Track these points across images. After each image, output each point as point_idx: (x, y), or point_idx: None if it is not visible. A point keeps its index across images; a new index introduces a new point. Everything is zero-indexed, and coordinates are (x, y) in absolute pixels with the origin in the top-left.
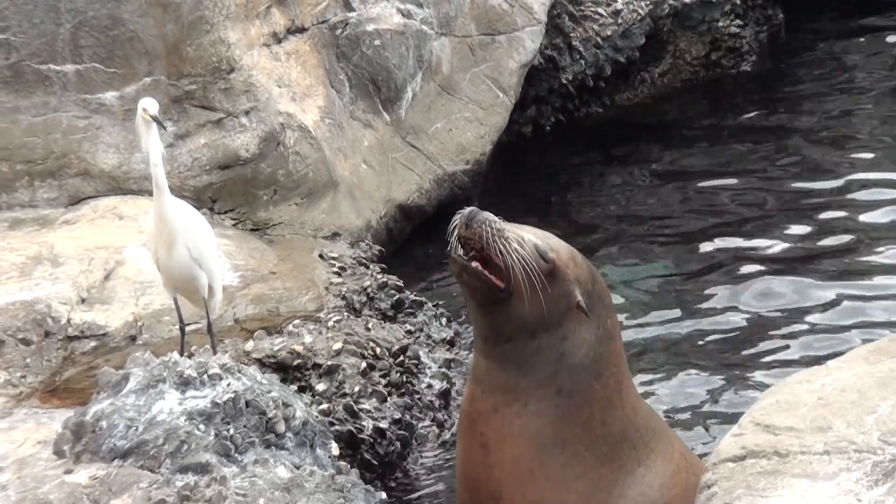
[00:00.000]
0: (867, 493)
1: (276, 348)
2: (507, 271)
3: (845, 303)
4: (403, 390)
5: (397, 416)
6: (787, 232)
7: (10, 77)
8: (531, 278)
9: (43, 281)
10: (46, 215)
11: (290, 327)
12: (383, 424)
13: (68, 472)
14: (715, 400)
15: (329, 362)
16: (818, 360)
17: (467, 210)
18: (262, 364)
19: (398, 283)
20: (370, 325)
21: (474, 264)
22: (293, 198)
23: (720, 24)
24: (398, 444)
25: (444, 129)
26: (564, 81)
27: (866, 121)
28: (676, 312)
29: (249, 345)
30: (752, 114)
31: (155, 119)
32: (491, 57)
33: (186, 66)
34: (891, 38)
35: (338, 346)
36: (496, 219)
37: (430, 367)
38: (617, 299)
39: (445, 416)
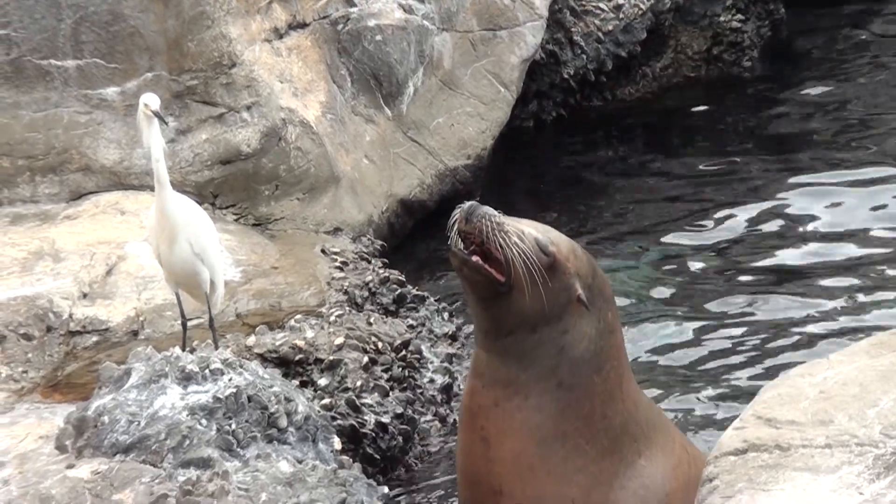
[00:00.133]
0: (869, 487)
1: (277, 343)
2: (507, 265)
3: (847, 296)
4: (405, 385)
5: (399, 410)
6: (788, 224)
7: (10, 72)
8: (531, 272)
9: (44, 276)
10: (48, 210)
11: (292, 322)
12: (385, 419)
13: (70, 466)
14: (716, 393)
15: (331, 357)
16: (819, 354)
17: (467, 204)
18: (263, 359)
19: (400, 277)
20: (372, 320)
21: (475, 258)
22: (295, 193)
23: (721, 18)
24: (400, 438)
25: (445, 124)
26: (566, 76)
27: (870, 114)
28: (676, 306)
29: (251, 340)
30: (754, 108)
31: (156, 114)
32: (492, 52)
33: (188, 62)
34: (893, 31)
35: (340, 340)
36: (496, 213)
37: (431, 362)
38: (617, 293)
39: (447, 411)
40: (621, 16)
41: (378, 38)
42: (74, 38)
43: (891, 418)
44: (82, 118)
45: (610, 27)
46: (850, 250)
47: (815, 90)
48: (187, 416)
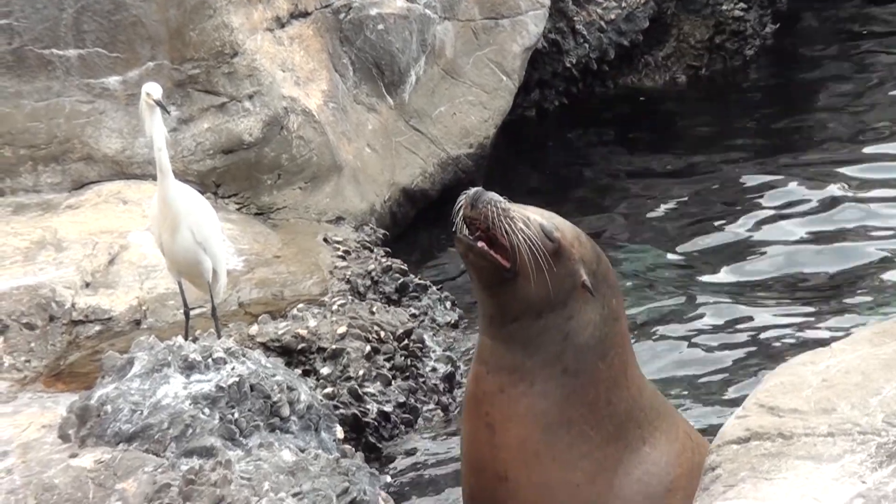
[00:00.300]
0: (871, 475)
1: (280, 332)
2: (512, 251)
3: (849, 286)
4: (408, 374)
5: (402, 399)
6: (790, 214)
7: (12, 62)
8: (537, 258)
9: (47, 265)
10: (50, 200)
11: (295, 311)
12: (388, 408)
13: (73, 456)
14: (719, 382)
15: (333, 346)
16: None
17: (473, 190)
18: (266, 348)
19: (402, 266)
20: (374, 309)
21: (480, 244)
22: (297, 182)
23: (724, 7)
24: (403, 427)
25: (447, 112)
26: (568, 65)
27: (873, 104)
28: (679, 294)
29: (254, 329)
30: (756, 98)
31: (158, 103)
32: (494, 41)
33: (189, 51)
34: None
35: (342, 329)
36: (501, 199)
37: (434, 351)
38: (620, 281)
39: (450, 400)
40: (623, 4)
41: (380, 26)
42: (76, 27)
43: (893, 406)
44: (84, 107)
45: (612, 16)
46: (857, 240)
47: (819, 77)
48: (190, 405)
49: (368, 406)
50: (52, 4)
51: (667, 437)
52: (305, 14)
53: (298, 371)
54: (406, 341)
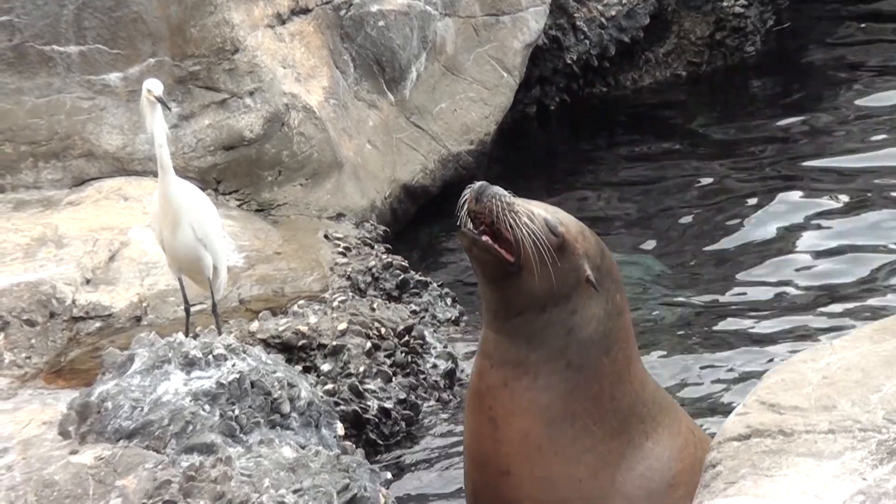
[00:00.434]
0: (872, 472)
1: (280, 329)
2: (516, 245)
3: (851, 283)
4: (408, 370)
5: (402, 396)
6: (791, 210)
7: (13, 58)
8: (541, 252)
9: (47, 262)
10: (51, 196)
11: (295, 308)
12: (388, 404)
13: (74, 452)
14: (719, 379)
15: (334, 342)
16: (823, 339)
17: (477, 184)
18: (266, 344)
19: (403, 263)
20: (375, 306)
21: (484, 238)
22: (298, 178)
23: (724, 4)
24: (403, 424)
25: (448, 109)
26: (569, 62)
27: (875, 101)
28: (680, 292)
29: (254, 325)
30: (757, 94)
31: (159, 100)
32: (495, 37)
33: (190, 47)
34: None
35: (343, 326)
36: (506, 193)
37: (435, 347)
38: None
39: (451, 396)
40: (624, 1)
41: (381, 23)
42: (77, 23)
43: (894, 403)
44: (85, 104)
45: (613, 12)
46: (860, 236)
47: (820, 75)
48: (190, 401)
49: (369, 403)
50: (53, 1)
51: (669, 432)
52: (306, 10)
53: (299, 368)
54: (407, 338)
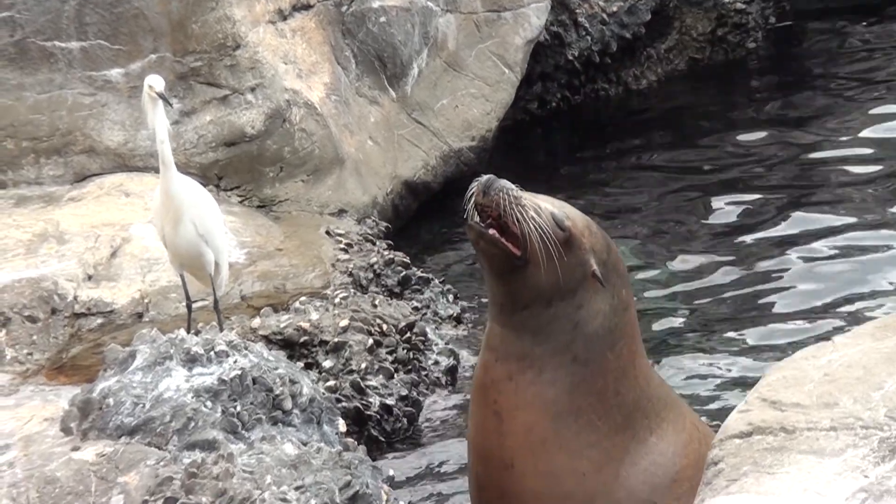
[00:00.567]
0: (874, 470)
1: (282, 325)
2: (523, 239)
3: (853, 280)
4: (410, 367)
5: (404, 392)
6: (794, 207)
7: (15, 54)
8: (547, 246)
9: (49, 258)
10: (52, 192)
11: (297, 304)
12: (390, 401)
13: (75, 449)
14: (721, 376)
15: (336, 339)
16: (825, 336)
17: (485, 177)
18: (268, 341)
19: (405, 259)
20: (377, 302)
21: (491, 231)
22: (299, 174)
23: (726, 0)
24: (405, 420)
25: (449, 105)
26: (570, 58)
27: (877, 96)
28: (683, 289)
29: (256, 322)
30: (759, 91)
31: (161, 96)
32: (497, 33)
33: (192, 43)
34: None
35: (344, 322)
36: (513, 186)
37: (436, 344)
38: None
39: (452, 393)
40: None
41: (382, 19)
42: (78, 19)
43: None
44: (86, 100)
45: (614, 8)
46: (861, 233)
47: (819, 73)
48: (192, 398)
49: (371, 399)
50: None
51: (674, 427)
52: (307, 6)
53: (301, 364)
54: (408, 334)
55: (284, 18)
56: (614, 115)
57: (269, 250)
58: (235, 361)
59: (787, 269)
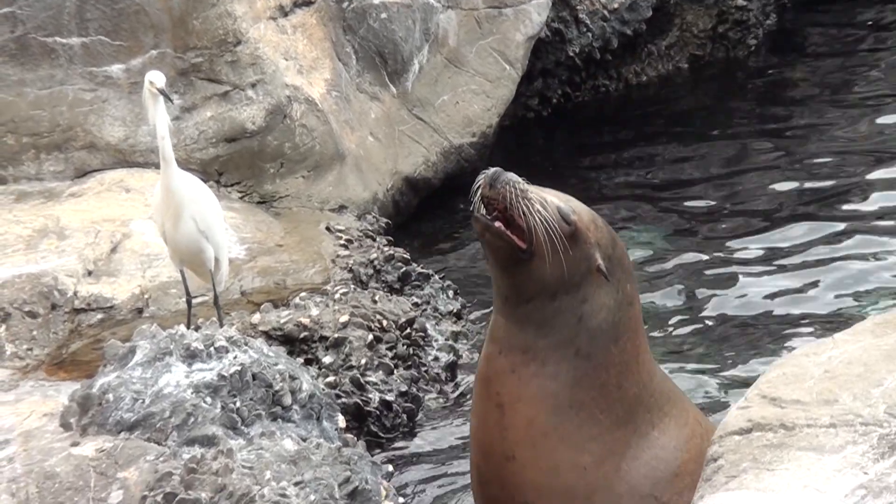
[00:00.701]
0: (873, 466)
1: (282, 321)
2: (529, 232)
3: (853, 276)
4: (410, 363)
5: (404, 388)
6: (795, 204)
7: (16, 50)
8: (553, 240)
9: (49, 254)
10: (52, 188)
11: (297, 300)
12: (390, 397)
13: (75, 444)
14: (721, 372)
15: (336, 335)
16: (825, 333)
17: (492, 170)
18: (268, 337)
19: (405, 255)
20: (377, 298)
21: (497, 224)
22: (300, 170)
23: None
24: (405, 416)
25: (450, 101)
26: (571, 54)
27: (877, 91)
28: (683, 286)
29: (256, 317)
30: (759, 87)
31: (162, 92)
32: (497, 30)
33: (193, 39)
34: None
35: (344, 318)
36: (520, 180)
37: (436, 340)
38: None
39: (452, 389)
40: None
41: (383, 15)
42: (79, 15)
43: (895, 397)
44: (87, 95)
45: (615, 5)
46: (862, 230)
47: (820, 69)
48: (192, 393)
49: (370, 395)
50: None
51: (676, 422)
52: (308, 2)
53: (300, 360)
54: (408, 330)
55: (285, 14)
56: (615, 112)
57: (270, 246)
58: (235, 357)
59: (787, 266)
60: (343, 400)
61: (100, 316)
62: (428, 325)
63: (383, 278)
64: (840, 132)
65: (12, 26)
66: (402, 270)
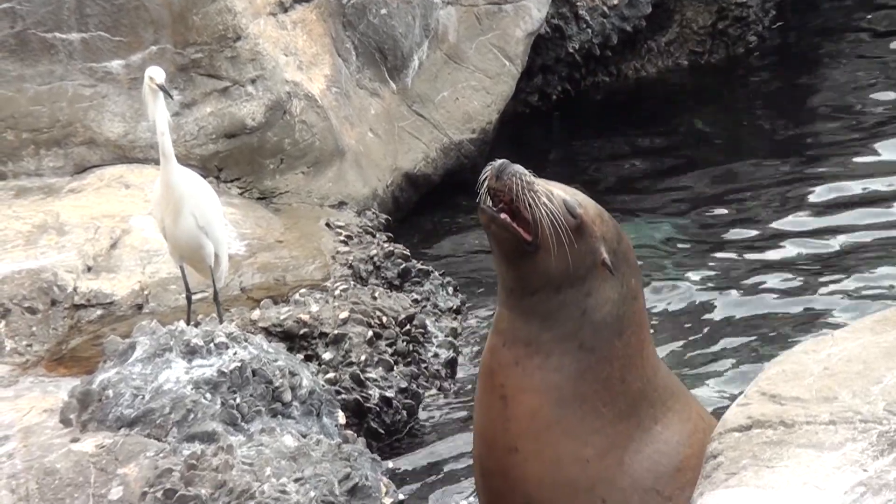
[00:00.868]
0: (873, 463)
1: (282, 317)
2: (534, 225)
3: (853, 273)
4: (410, 359)
5: (404, 384)
6: (795, 199)
7: (15, 45)
8: (558, 232)
9: (49, 249)
10: (52, 184)
11: (297, 296)
12: (390, 393)
13: (75, 440)
14: (721, 369)
15: (335, 331)
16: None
17: (498, 162)
18: (268, 333)
19: (405, 251)
20: (377, 294)
21: (503, 216)
22: (299, 166)
23: None
24: (405, 412)
25: (450, 97)
26: (571, 50)
27: (877, 89)
28: (683, 283)
29: (256, 314)
30: (759, 84)
31: (161, 88)
32: (497, 26)
33: (192, 35)
34: None
35: (344, 314)
36: (526, 172)
37: (436, 336)
38: None
39: (452, 385)
40: None
41: (383, 11)
42: (79, 11)
43: (894, 394)
44: (87, 91)
45: (615, 1)
46: (862, 226)
47: (820, 67)
48: (192, 390)
49: (370, 391)
50: None
51: (679, 417)
52: None
53: (300, 356)
54: (408, 327)
55: (285, 10)
56: (614, 109)
57: (269, 242)
58: (235, 353)
59: (787, 263)
60: (343, 396)
61: (99, 312)
62: (428, 322)
63: (383, 275)
64: (842, 127)
65: (12, 22)
66: (401, 267)
